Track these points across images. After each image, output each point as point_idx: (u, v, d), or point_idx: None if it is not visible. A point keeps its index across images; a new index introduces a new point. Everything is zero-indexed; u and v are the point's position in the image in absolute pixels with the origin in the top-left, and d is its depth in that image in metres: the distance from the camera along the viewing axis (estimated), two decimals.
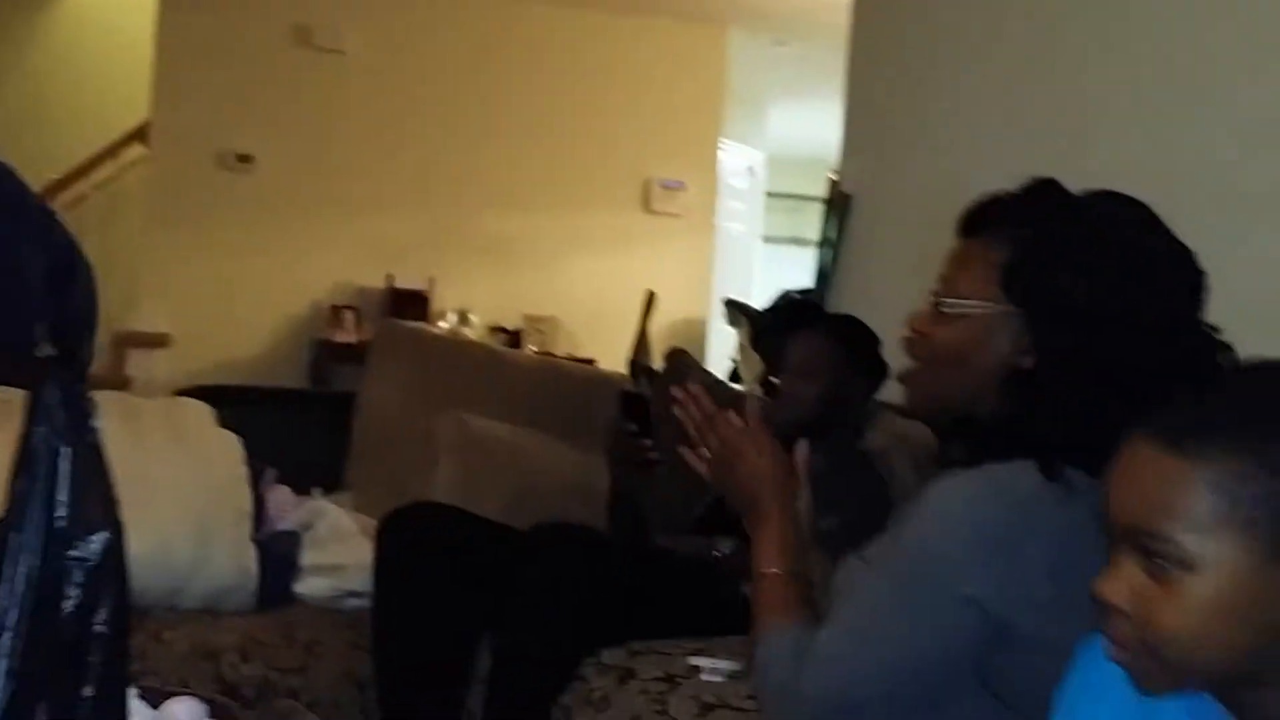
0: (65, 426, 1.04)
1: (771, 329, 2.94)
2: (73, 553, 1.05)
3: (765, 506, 1.45)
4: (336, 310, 5.87)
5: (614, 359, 5.47)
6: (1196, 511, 0.86)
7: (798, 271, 5.23)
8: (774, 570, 1.41)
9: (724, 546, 2.23)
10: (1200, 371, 1.21)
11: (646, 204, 6.39)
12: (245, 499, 2.33)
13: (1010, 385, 1.30)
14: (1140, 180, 2.14)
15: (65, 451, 1.03)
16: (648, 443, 2.32)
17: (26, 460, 1.04)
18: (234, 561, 2.22)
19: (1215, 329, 1.28)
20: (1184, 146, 2.18)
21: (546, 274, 6.24)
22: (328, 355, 5.68)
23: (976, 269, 1.34)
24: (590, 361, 5.87)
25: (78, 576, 1.03)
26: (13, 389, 1.10)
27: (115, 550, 1.07)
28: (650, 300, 5.59)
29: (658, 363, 4.92)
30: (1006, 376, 1.31)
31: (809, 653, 1.30)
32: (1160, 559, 0.87)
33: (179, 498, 2.23)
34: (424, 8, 6.08)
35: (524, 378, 3.07)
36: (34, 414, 1.05)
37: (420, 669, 2.15)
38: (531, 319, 6.14)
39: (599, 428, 2.55)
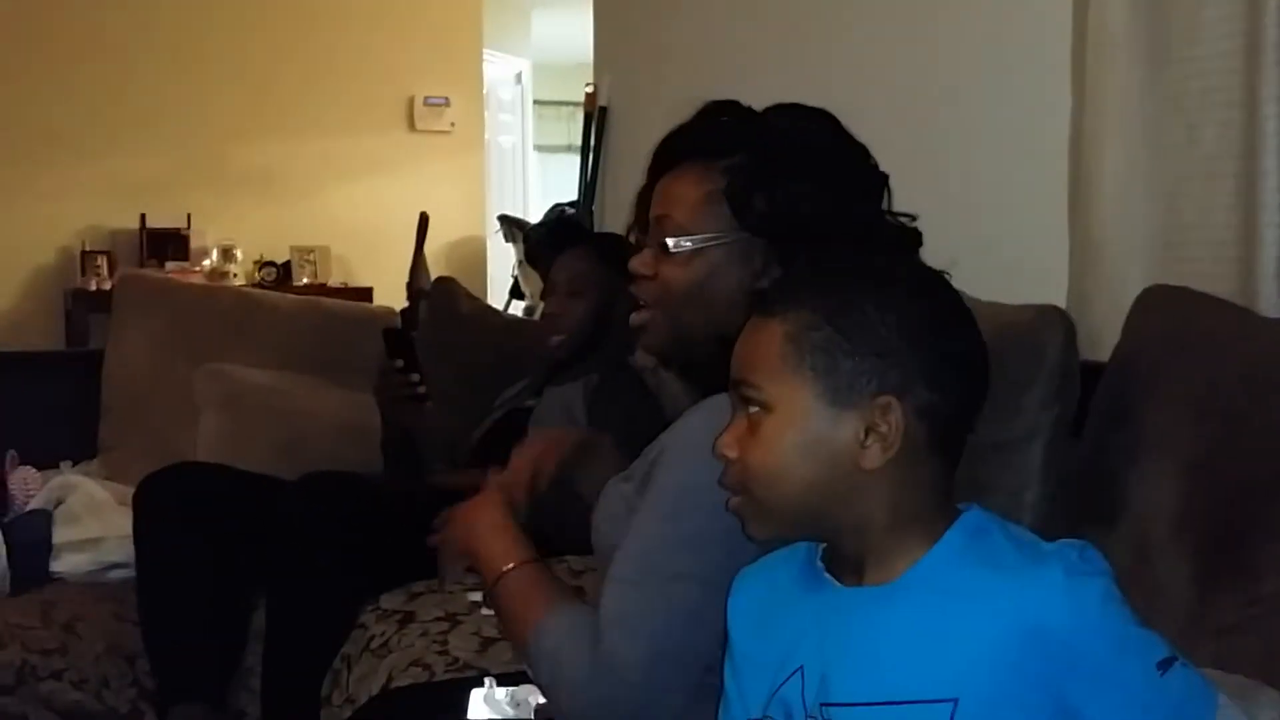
0: None
1: (542, 246, 2.92)
2: None
3: (481, 539, 1.37)
4: (88, 256, 5.54)
5: (391, 286, 5.35)
6: (774, 359, 0.98)
7: (573, 179, 5.20)
8: (511, 565, 1.31)
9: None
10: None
11: (412, 123, 6.23)
12: None
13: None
14: (882, 88, 2.20)
15: None
16: (415, 378, 2.28)
17: None
18: None
19: (910, 216, 1.35)
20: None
21: (313, 202, 6.03)
22: (83, 306, 5.36)
23: (694, 203, 1.33)
24: (367, 290, 5.75)
25: None
26: None
27: None
28: (423, 222, 5.48)
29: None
30: (750, 302, 1.32)
31: (602, 620, 1.22)
32: (751, 404, 0.99)
33: None
34: None
35: (284, 321, 2.96)
36: None
37: (192, 633, 2.10)
38: (300, 250, 5.93)
39: (369, 367, 2.49)
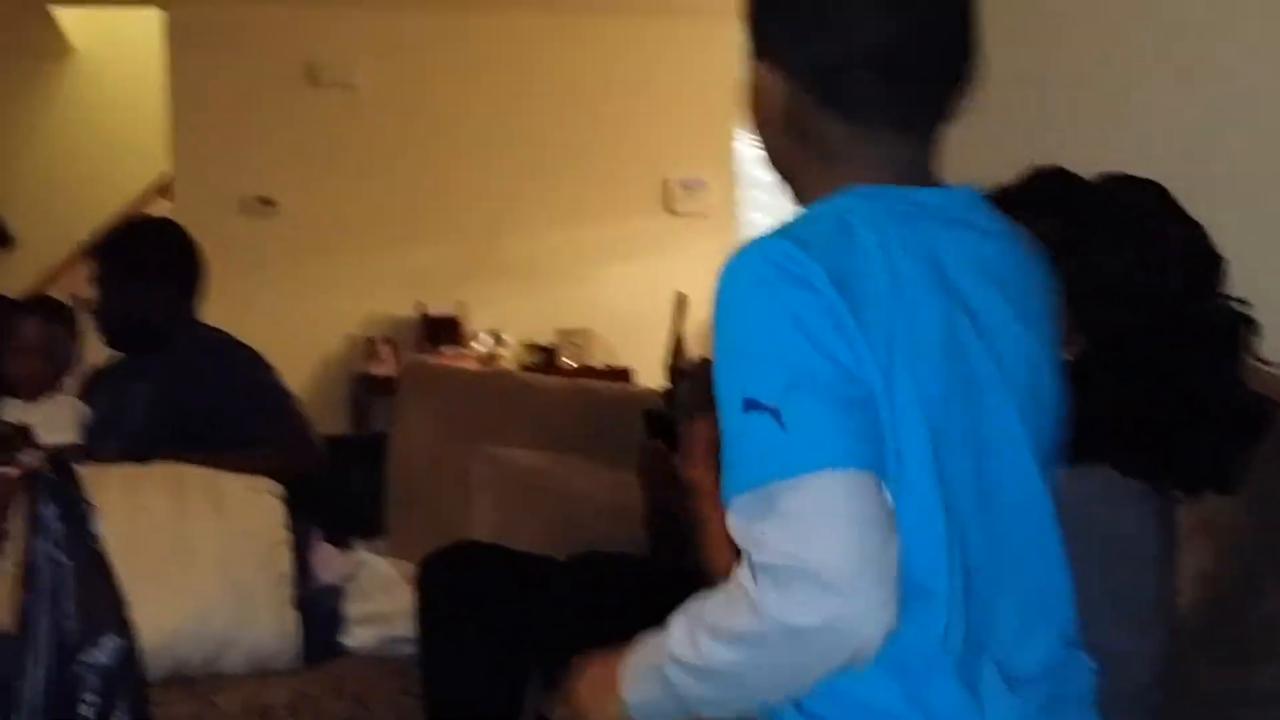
0: (65, 539, 1.05)
1: None
2: (83, 659, 1.06)
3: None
4: (372, 343, 5.90)
5: (652, 366, 5.45)
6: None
7: None
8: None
9: None
10: (1224, 342, 1.22)
11: (668, 205, 6.37)
12: (285, 562, 2.35)
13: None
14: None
15: (67, 564, 1.04)
16: (677, 459, 2.31)
17: (30, 575, 1.05)
18: (274, 626, 2.23)
19: (1243, 302, 1.28)
20: None
21: (576, 286, 6.24)
22: (367, 389, 5.71)
23: None
24: (627, 371, 5.87)
25: (92, 682, 1.04)
26: None
27: (127, 653, 1.08)
28: (681, 302, 5.56)
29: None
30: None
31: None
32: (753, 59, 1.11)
33: (219, 566, 2.25)
34: (427, 34, 6.09)
35: (554, 403, 3.06)
36: (33, 529, 1.06)
37: (471, 708, 2.16)
38: (565, 333, 6.14)
39: (633, 447, 2.54)
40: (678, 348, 6.27)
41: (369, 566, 2.43)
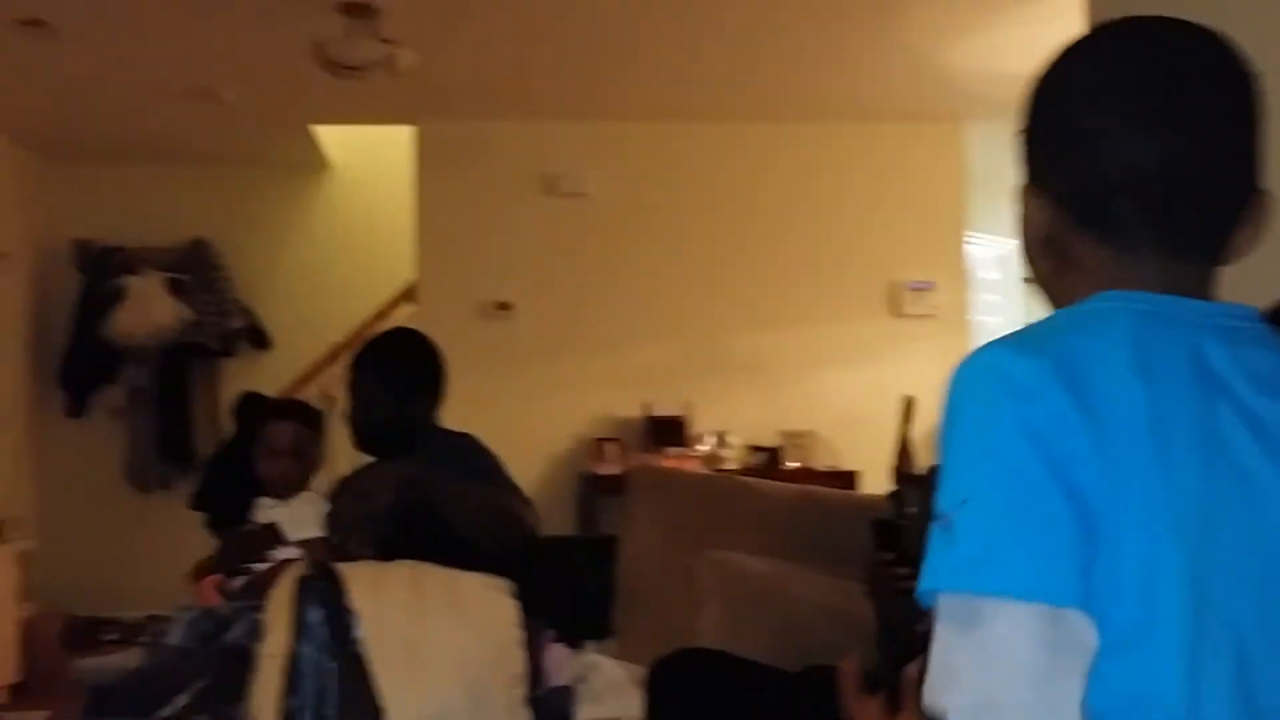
0: (329, 642, 1.12)
1: None
2: None
3: None
4: (599, 443, 6.03)
5: (876, 469, 5.38)
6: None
7: None
8: None
9: None
10: None
11: (895, 308, 6.32)
12: (519, 662, 2.40)
13: None
14: None
15: (330, 667, 1.10)
16: (904, 571, 2.27)
17: (294, 679, 1.11)
18: None
19: None
20: None
21: (800, 388, 6.24)
22: (593, 488, 5.82)
23: None
24: (852, 475, 5.81)
25: None
26: None
27: None
28: (909, 406, 5.48)
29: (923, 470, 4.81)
30: None
31: None
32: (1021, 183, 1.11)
33: (457, 665, 2.31)
34: (656, 142, 6.29)
35: (779, 507, 3.06)
36: (298, 632, 1.13)
37: None
38: (789, 435, 6.13)
39: (861, 555, 2.51)
40: (904, 452, 6.15)
41: (600, 668, 2.47)
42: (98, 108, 5.92)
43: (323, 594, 1.07)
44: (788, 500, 3.15)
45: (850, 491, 4.88)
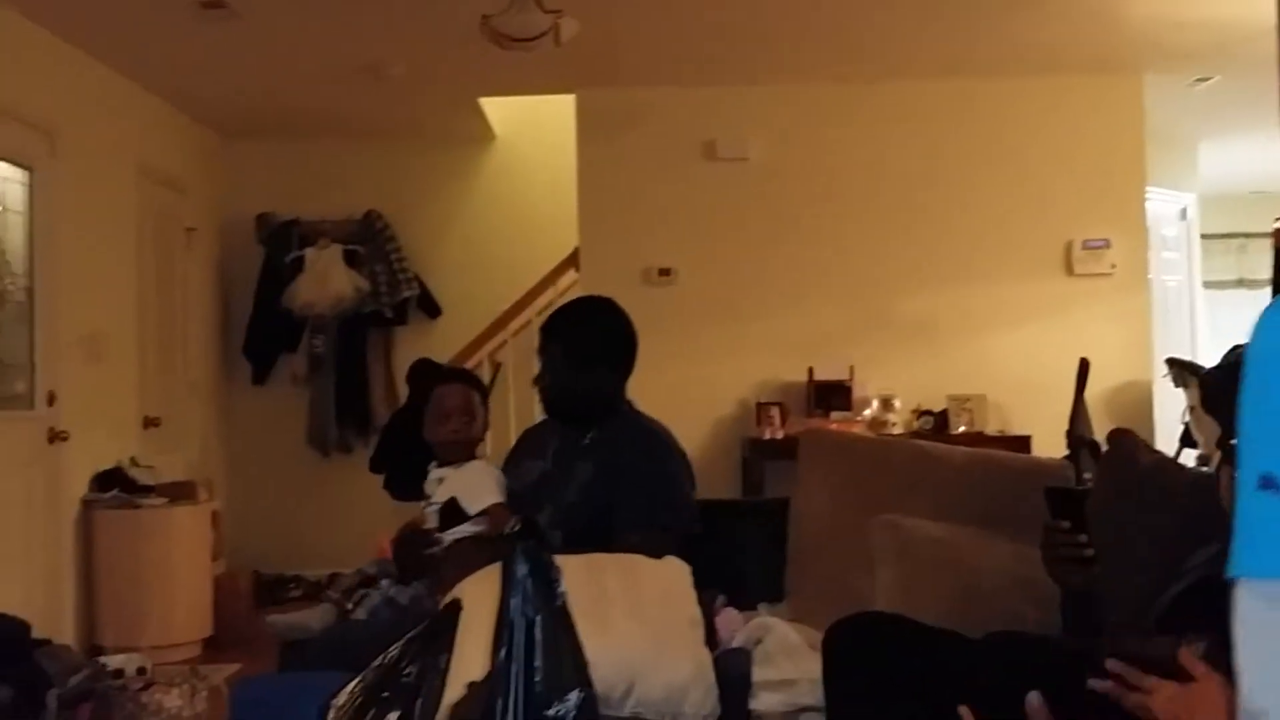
0: (535, 596, 1.15)
1: (1224, 389, 2.73)
2: (549, 712, 1.15)
3: None
4: (762, 408, 6.02)
5: (1049, 434, 5.25)
6: None
7: (1247, 316, 4.82)
8: None
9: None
10: None
11: (1069, 267, 6.13)
12: (694, 610, 2.42)
13: None
14: None
15: (537, 620, 1.14)
16: (1082, 538, 2.21)
17: (503, 630, 1.15)
18: (689, 661, 2.27)
19: None
20: None
21: (968, 351, 6.11)
22: (757, 453, 5.82)
23: None
24: (1024, 439, 5.67)
25: None
26: None
27: (588, 707, 1.15)
28: (1084, 368, 5.33)
29: (1097, 434, 4.67)
30: None
31: None
32: None
33: (636, 615, 2.34)
34: (819, 104, 6.22)
35: (954, 472, 3.01)
36: (506, 586, 1.16)
37: None
38: (956, 399, 6.01)
39: (1037, 519, 2.46)
40: (1079, 416, 5.97)
41: (774, 631, 2.48)
42: (274, 85, 6.13)
43: (528, 551, 1.11)
44: (962, 464, 3.09)
45: (1027, 456, 4.76)
